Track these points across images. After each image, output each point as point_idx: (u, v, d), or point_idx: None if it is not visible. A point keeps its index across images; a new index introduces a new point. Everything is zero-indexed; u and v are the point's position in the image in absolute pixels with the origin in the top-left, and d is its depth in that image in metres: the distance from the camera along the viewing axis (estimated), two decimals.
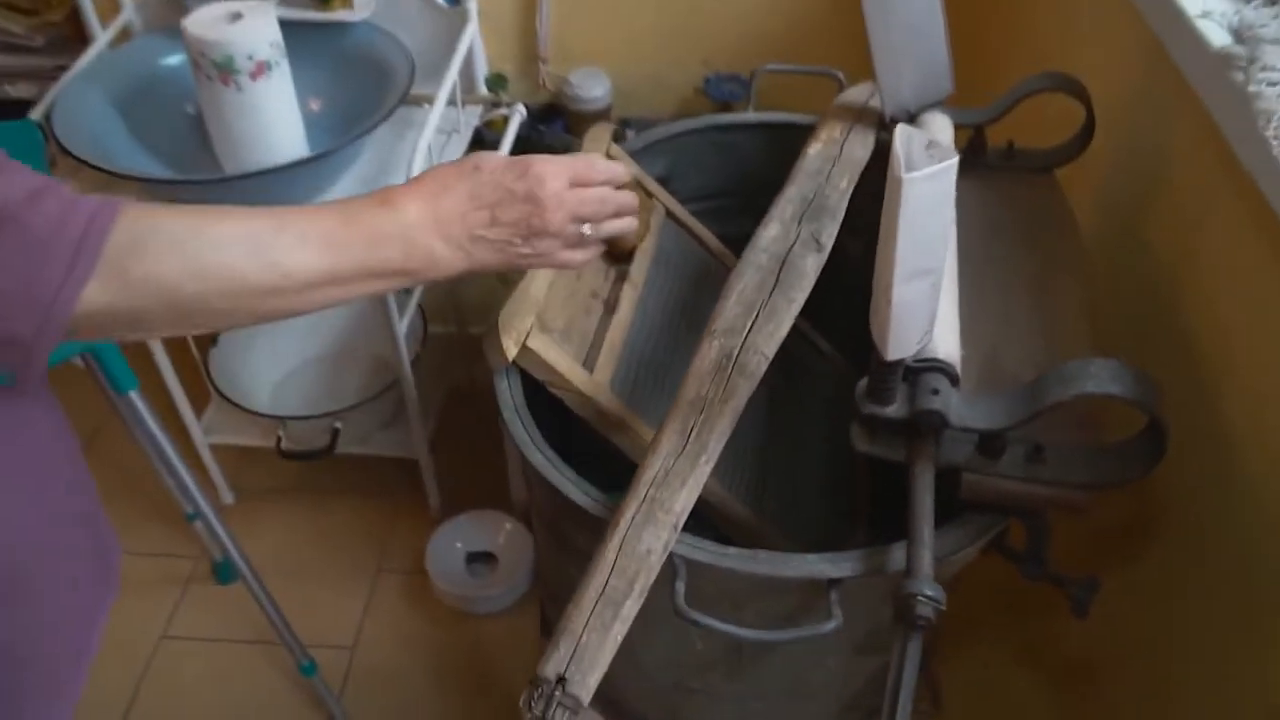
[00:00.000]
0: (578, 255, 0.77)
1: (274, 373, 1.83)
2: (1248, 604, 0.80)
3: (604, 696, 1.01)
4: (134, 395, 1.20)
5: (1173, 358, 0.90)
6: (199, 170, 1.40)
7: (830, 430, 1.10)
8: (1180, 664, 0.90)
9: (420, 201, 0.70)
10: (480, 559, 1.73)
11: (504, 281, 1.93)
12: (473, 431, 1.87)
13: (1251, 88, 0.71)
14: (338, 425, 1.62)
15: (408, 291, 1.57)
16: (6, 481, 0.87)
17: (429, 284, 0.70)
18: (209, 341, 1.73)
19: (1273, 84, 0.71)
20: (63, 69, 1.48)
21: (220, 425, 1.76)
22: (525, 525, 1.73)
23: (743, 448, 0.99)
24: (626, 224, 0.79)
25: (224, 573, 1.74)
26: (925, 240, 0.64)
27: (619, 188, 0.79)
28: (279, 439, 1.61)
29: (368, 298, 0.69)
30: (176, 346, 1.65)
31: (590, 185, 0.76)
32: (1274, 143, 0.67)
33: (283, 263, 0.63)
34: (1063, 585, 0.79)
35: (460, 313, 1.92)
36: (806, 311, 0.96)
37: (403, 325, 1.50)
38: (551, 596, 1.10)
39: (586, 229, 0.75)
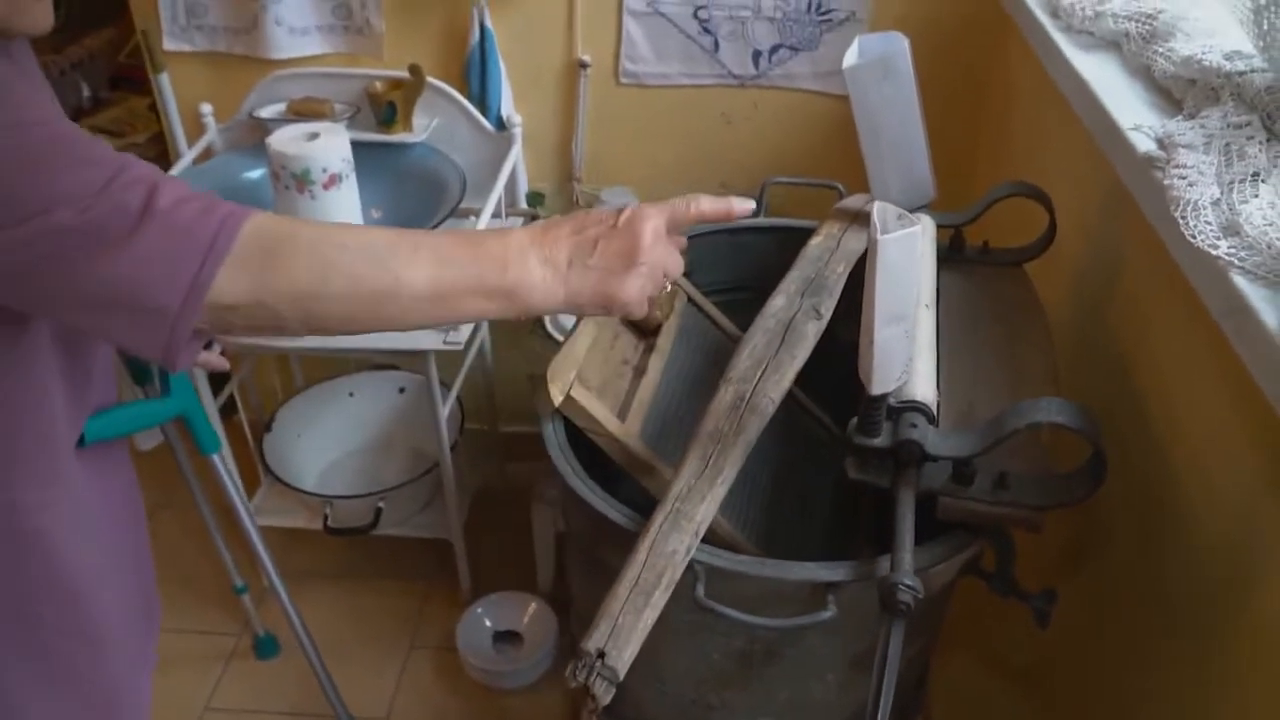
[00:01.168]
0: (647, 297, 0.80)
1: (321, 460, 1.98)
2: (1174, 603, 0.93)
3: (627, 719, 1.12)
4: (216, 458, 1.35)
5: (1128, 417, 1.05)
6: None
7: (831, 490, 1.23)
8: (1120, 658, 1.03)
9: (530, 231, 0.77)
10: (506, 638, 1.84)
11: (536, 385, 2.10)
12: (502, 522, 2.00)
13: (1166, 181, 0.88)
14: (381, 504, 1.76)
15: (446, 385, 1.72)
16: (111, 512, 1.02)
17: (528, 316, 0.77)
18: (264, 430, 1.88)
19: (1183, 179, 0.87)
20: None
21: (268, 508, 1.89)
22: (550, 606, 1.84)
23: (752, 502, 1.12)
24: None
25: (264, 648, 1.85)
26: (899, 291, 0.80)
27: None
28: (325, 517, 1.75)
29: (474, 319, 0.77)
30: (233, 435, 1.80)
31: (685, 223, 0.80)
32: (1181, 221, 0.83)
33: (398, 270, 0.71)
34: (1026, 600, 0.92)
35: (494, 412, 2.07)
36: (809, 390, 1.12)
37: (445, 409, 1.65)
38: (583, 626, 1.21)
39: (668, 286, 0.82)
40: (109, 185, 0.68)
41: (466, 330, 1.50)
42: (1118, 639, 1.05)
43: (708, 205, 0.81)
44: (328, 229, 0.74)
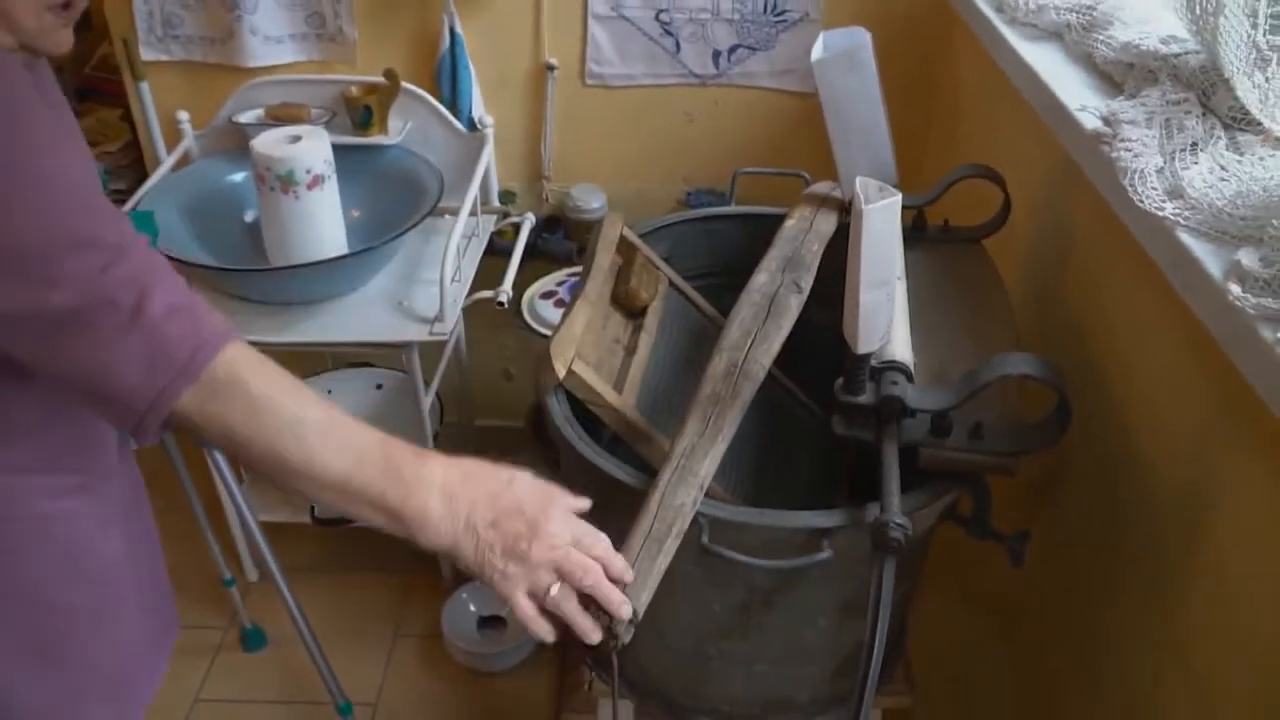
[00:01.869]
0: (525, 605, 0.81)
1: None
2: (1133, 535, 1.03)
3: (630, 680, 1.19)
4: (217, 453, 1.39)
5: (1086, 370, 1.14)
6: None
7: (808, 460, 1.31)
8: (1087, 587, 1.14)
9: (449, 472, 0.80)
10: (490, 623, 1.89)
11: (509, 379, 2.16)
12: None
13: (1113, 154, 0.97)
14: None
15: (425, 381, 1.77)
16: (139, 510, 1.07)
17: (410, 540, 0.80)
18: None
19: (1129, 151, 0.96)
20: (119, 193, 1.72)
21: (252, 503, 1.92)
22: None
23: (740, 469, 1.20)
24: (580, 622, 0.82)
25: (252, 640, 1.88)
26: (882, 257, 0.88)
27: None
28: (312, 508, 1.79)
29: (362, 521, 0.80)
30: None
31: (588, 553, 0.82)
32: (1129, 189, 0.92)
33: (315, 460, 0.77)
34: (1002, 540, 1.01)
35: (470, 407, 2.13)
36: (788, 371, 1.20)
37: (427, 401, 1.70)
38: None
39: (555, 589, 0.80)
40: (106, 271, 0.73)
41: (452, 320, 1.56)
42: (1085, 571, 1.15)
43: (602, 551, 0.84)
44: (279, 389, 0.78)
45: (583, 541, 0.83)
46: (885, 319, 0.93)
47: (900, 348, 1.00)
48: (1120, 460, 1.07)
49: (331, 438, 0.78)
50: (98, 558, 0.97)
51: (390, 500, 0.79)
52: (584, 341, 1.14)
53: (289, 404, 0.78)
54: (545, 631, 0.83)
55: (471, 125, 1.80)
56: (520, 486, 0.83)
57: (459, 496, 0.80)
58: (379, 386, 2.06)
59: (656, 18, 1.78)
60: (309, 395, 0.80)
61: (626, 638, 0.86)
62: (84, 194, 0.76)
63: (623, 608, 0.83)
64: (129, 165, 1.97)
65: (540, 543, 0.80)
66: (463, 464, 0.83)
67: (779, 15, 1.77)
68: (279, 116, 1.71)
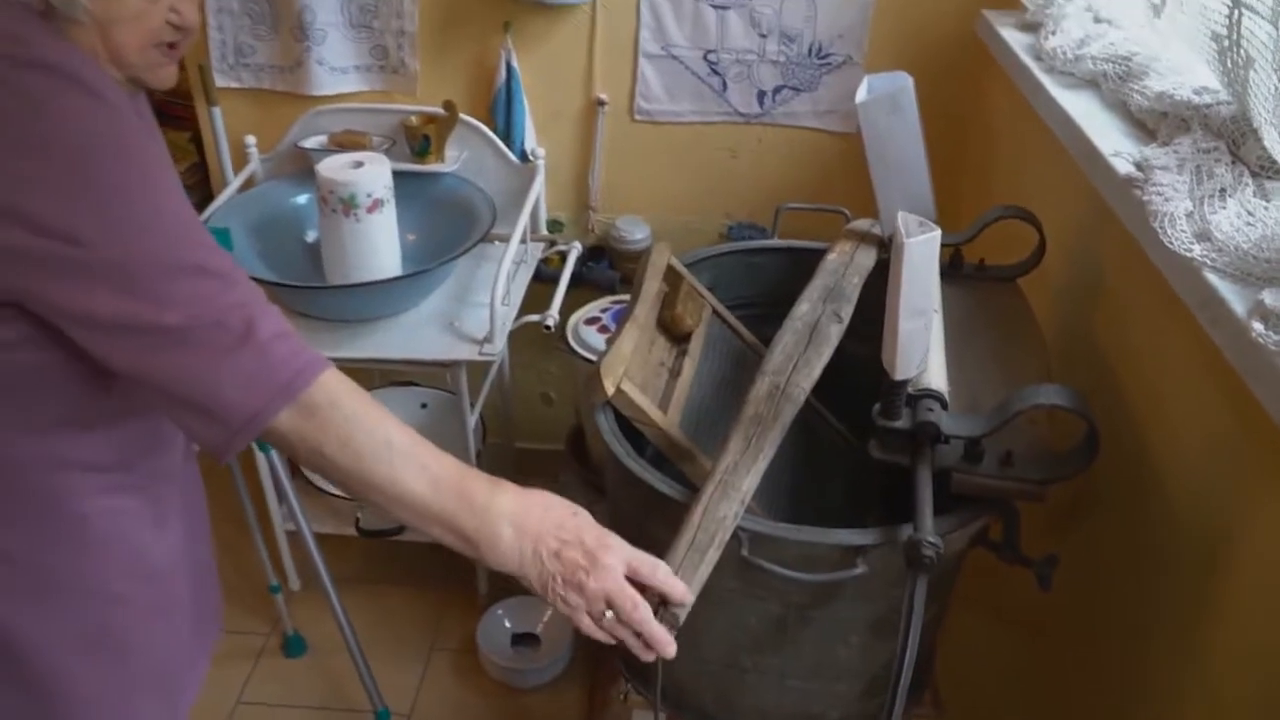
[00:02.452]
0: (586, 623, 0.88)
1: None
2: (1158, 566, 1.07)
3: (664, 690, 1.23)
4: (275, 455, 1.45)
5: (1114, 402, 1.18)
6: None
7: (843, 485, 1.36)
8: (1107, 609, 1.18)
9: (519, 503, 0.87)
10: (524, 640, 1.94)
11: (549, 403, 2.21)
12: None
13: (1145, 198, 1.02)
14: None
15: (471, 400, 1.83)
16: (197, 512, 1.12)
17: (482, 561, 0.88)
18: None
19: (1160, 195, 1.01)
20: None
21: (293, 513, 1.98)
22: None
23: (777, 492, 1.24)
24: (633, 644, 0.89)
25: (293, 647, 1.94)
26: (920, 288, 0.93)
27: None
28: (357, 520, 1.85)
29: (436, 539, 0.87)
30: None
31: (645, 582, 0.88)
32: (1160, 231, 0.97)
33: (398, 482, 0.84)
34: (1030, 565, 1.05)
35: (511, 428, 2.19)
36: (824, 398, 1.25)
37: (472, 420, 1.76)
38: None
39: (609, 615, 0.88)
40: (216, 296, 0.80)
41: (501, 341, 1.62)
42: (1112, 596, 1.19)
43: (662, 576, 0.90)
44: (367, 411, 0.85)
45: (641, 570, 0.89)
46: (922, 348, 0.98)
47: (936, 376, 1.05)
48: (1146, 488, 1.11)
49: (413, 462, 0.85)
50: (154, 555, 1.02)
51: (464, 526, 0.86)
52: (632, 362, 1.19)
53: (377, 429, 0.85)
54: (605, 639, 0.89)
55: (524, 156, 1.87)
56: (583, 520, 0.90)
57: (527, 528, 0.87)
58: (424, 405, 2.12)
59: (705, 58, 1.84)
60: (394, 421, 0.87)
61: (671, 651, 0.90)
62: (192, 223, 0.83)
63: (667, 647, 0.89)
64: (194, 185, 2.05)
65: (597, 576, 0.86)
66: (532, 495, 0.90)
67: (823, 58, 1.83)
68: (342, 143, 1.79)
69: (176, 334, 0.78)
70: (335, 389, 0.84)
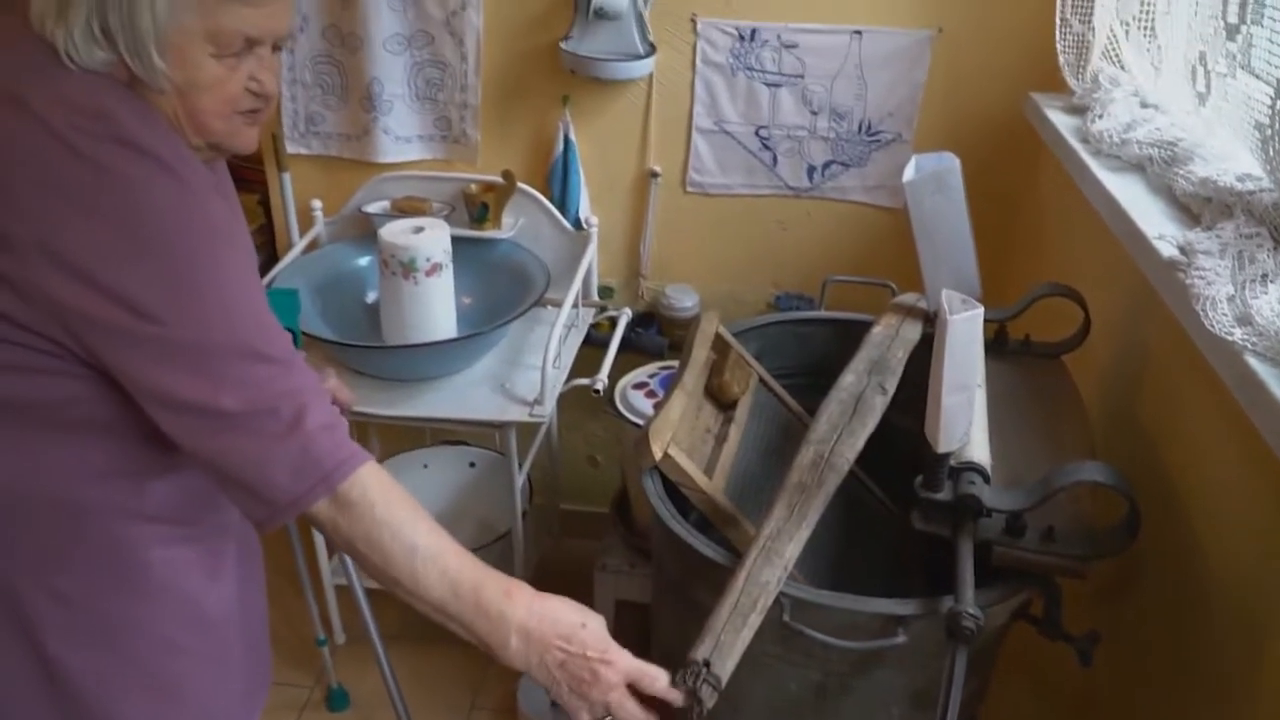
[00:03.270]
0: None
1: None
2: (1198, 646, 1.07)
3: None
4: None
5: (1156, 480, 1.19)
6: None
7: (885, 555, 1.37)
8: (1149, 689, 1.18)
9: (531, 612, 0.92)
10: None
11: (595, 466, 2.24)
12: (560, 591, 2.11)
13: (1188, 281, 1.04)
14: None
15: (519, 461, 1.86)
16: (251, 566, 1.16)
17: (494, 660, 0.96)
18: None
19: (1203, 279, 1.03)
20: None
21: (342, 568, 2.02)
22: None
23: (819, 558, 1.26)
24: None
25: (336, 701, 1.96)
26: (964, 363, 0.95)
27: None
28: None
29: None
30: None
31: (646, 693, 0.94)
32: (1201, 314, 0.98)
33: (419, 583, 0.89)
34: (1071, 641, 1.05)
35: (557, 490, 2.22)
36: (866, 469, 1.27)
37: (520, 479, 1.79)
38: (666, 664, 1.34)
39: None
40: (271, 382, 0.85)
41: (551, 403, 1.66)
42: (1153, 674, 1.18)
43: (661, 688, 0.95)
44: (398, 515, 0.90)
45: (641, 682, 0.94)
46: (965, 422, 1.00)
47: (979, 450, 1.07)
48: (1190, 568, 1.11)
49: (435, 567, 0.90)
50: (209, 605, 1.05)
51: (477, 631, 0.92)
52: (679, 428, 1.22)
53: (406, 530, 0.90)
54: None
55: (578, 224, 1.93)
56: (590, 633, 0.95)
57: (534, 639, 0.92)
58: (472, 464, 2.16)
59: (756, 133, 1.89)
60: (423, 522, 0.92)
61: (710, 702, 0.92)
62: (258, 307, 0.88)
63: None
64: (260, 245, 2.13)
65: (599, 687, 0.93)
66: (547, 604, 0.95)
67: (873, 135, 1.88)
68: (404, 209, 1.86)
69: (232, 418, 0.83)
70: (371, 487, 0.89)
